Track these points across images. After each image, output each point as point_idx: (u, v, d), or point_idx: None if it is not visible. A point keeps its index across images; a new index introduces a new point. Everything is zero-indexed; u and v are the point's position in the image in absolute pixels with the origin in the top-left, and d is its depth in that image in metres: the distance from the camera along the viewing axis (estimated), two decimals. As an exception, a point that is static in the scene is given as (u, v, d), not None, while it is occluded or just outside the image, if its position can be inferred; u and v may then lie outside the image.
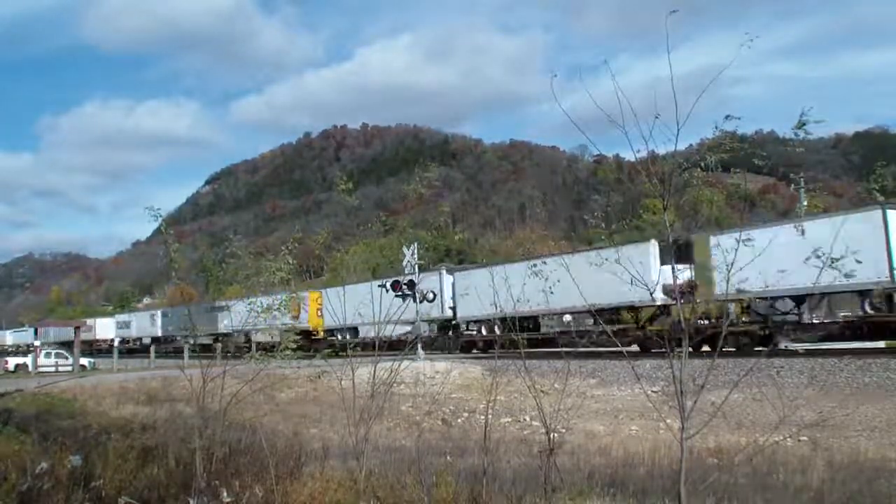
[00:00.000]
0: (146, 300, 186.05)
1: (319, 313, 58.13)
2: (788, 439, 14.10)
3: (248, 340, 36.48)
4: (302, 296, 54.58)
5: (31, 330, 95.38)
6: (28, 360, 63.05)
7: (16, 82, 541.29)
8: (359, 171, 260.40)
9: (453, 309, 48.91)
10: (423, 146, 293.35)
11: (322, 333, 58.57)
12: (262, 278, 11.43)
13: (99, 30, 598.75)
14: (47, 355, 64.78)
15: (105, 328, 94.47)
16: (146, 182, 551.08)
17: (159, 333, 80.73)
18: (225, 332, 63.17)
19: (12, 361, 64.75)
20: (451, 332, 51.18)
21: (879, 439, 17.56)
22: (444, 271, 51.50)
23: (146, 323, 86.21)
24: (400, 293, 35.99)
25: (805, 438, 16.07)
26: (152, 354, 63.63)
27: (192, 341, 54.05)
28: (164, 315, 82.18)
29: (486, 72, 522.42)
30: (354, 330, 48.46)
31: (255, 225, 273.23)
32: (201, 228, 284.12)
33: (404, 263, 29.38)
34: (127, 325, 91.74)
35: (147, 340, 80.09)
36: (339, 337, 52.71)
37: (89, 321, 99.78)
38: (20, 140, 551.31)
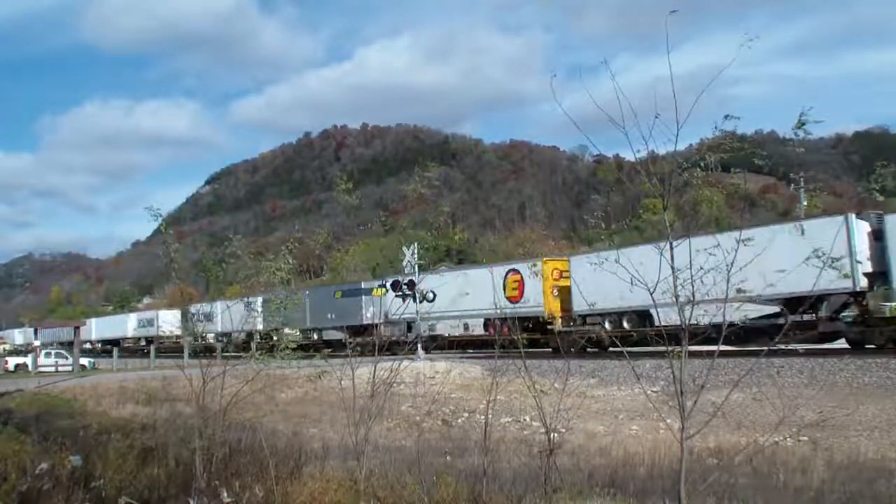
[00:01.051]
0: (146, 300, 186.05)
1: (557, 292, 42.32)
2: (788, 439, 14.13)
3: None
4: (525, 266, 43.36)
5: (65, 329, 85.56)
6: (28, 360, 63.02)
7: (16, 82, 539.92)
8: (359, 171, 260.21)
9: (877, 275, 29.71)
10: (423, 146, 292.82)
11: (559, 322, 42.41)
12: (262, 278, 11.45)
13: (98, 30, 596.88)
14: (47, 355, 64.78)
15: (170, 322, 77.54)
16: (146, 182, 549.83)
17: (259, 327, 57.98)
18: (368, 322, 52.75)
19: (12, 361, 64.70)
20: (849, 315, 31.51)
21: (879, 439, 17.56)
22: (851, 216, 30.46)
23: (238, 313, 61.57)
24: (401, 293, 35.89)
25: (805, 438, 16.07)
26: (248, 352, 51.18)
27: (315, 336, 45.84)
28: (266, 302, 57.68)
29: (486, 72, 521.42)
30: (642, 315, 35.73)
31: (255, 225, 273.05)
32: (201, 228, 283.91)
33: (404, 263, 29.32)
34: (206, 317, 70.42)
35: (239, 336, 62.59)
36: (609, 326, 37.80)
37: (149, 314, 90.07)
38: (20, 140, 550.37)
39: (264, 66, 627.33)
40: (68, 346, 76.61)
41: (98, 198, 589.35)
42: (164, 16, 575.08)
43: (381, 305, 47.35)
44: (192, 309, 78.40)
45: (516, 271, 43.84)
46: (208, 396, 10.47)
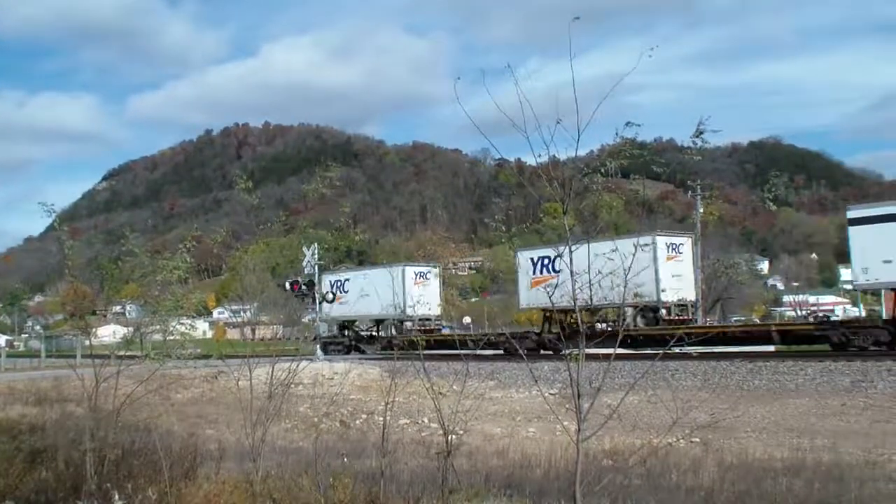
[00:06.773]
0: (38, 298, 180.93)
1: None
2: (681, 440, 14.37)
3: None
4: None
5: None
6: None
7: None
8: (260, 170, 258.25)
9: None
10: (326, 146, 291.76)
11: None
12: (159, 277, 11.26)
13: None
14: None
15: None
16: (40, 176, 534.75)
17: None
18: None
19: None
20: None
21: (767, 440, 18.03)
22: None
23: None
24: (300, 292, 35.58)
25: (697, 440, 16.38)
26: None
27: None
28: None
29: (390, 72, 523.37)
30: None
31: (153, 222, 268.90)
32: (97, 226, 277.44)
33: (304, 264, 29.00)
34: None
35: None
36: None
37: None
38: None
39: (166, 60, 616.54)
40: None
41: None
42: (63, 5, 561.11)
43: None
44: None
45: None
46: (101, 397, 10.24)
